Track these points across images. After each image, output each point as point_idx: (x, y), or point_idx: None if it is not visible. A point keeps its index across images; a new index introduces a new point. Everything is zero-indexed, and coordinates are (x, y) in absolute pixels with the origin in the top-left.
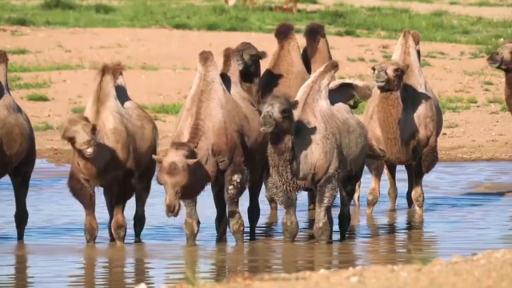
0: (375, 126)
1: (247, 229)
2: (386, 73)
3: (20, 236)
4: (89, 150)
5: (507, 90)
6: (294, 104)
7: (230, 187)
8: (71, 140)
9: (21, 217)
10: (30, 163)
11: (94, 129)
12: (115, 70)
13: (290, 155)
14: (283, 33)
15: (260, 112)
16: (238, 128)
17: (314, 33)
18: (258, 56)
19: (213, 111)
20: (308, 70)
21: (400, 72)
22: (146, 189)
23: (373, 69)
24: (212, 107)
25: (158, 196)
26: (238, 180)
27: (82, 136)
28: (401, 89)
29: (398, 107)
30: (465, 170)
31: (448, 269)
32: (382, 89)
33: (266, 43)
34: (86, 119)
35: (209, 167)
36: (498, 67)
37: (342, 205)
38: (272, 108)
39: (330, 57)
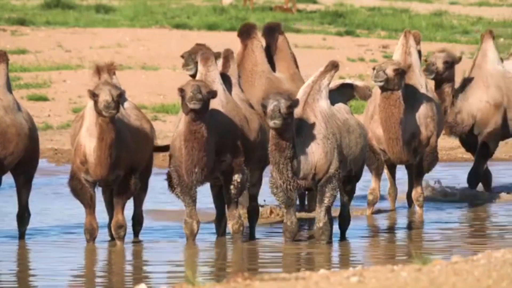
0: (375, 126)
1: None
2: (385, 73)
3: (21, 236)
4: (110, 112)
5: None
6: (296, 101)
7: (231, 187)
8: (95, 98)
9: (23, 217)
10: (32, 163)
11: (119, 95)
12: (109, 69)
13: (291, 153)
14: (246, 33)
15: (264, 108)
16: (239, 128)
17: (273, 32)
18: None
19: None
20: (273, 68)
21: (401, 72)
22: (144, 189)
23: (374, 69)
24: (213, 106)
25: (157, 196)
26: (239, 180)
27: (105, 94)
28: (402, 89)
29: (399, 107)
30: (465, 170)
31: (448, 269)
32: (383, 88)
33: None
34: (116, 86)
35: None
36: (434, 79)
37: (342, 205)
38: (279, 103)
39: (292, 54)
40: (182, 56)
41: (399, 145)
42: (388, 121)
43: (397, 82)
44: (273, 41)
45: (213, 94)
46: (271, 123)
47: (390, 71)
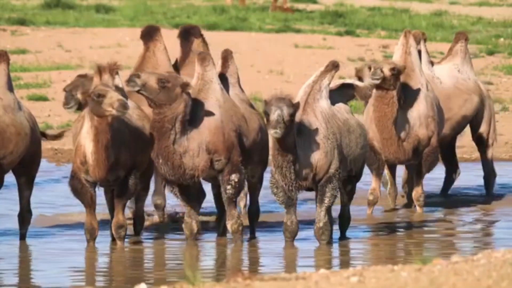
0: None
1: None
2: (382, 71)
3: (22, 236)
4: (117, 112)
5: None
6: (297, 106)
7: (228, 187)
8: (100, 97)
9: (24, 217)
10: (33, 163)
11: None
12: (111, 69)
13: (293, 156)
14: (148, 35)
15: (266, 114)
16: (236, 128)
17: (188, 35)
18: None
19: (211, 110)
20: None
21: (397, 71)
22: (145, 189)
23: (369, 67)
24: (210, 106)
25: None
26: (236, 180)
27: (111, 95)
28: (399, 89)
29: (393, 106)
30: (466, 170)
31: (448, 269)
32: (378, 87)
33: (266, 43)
34: (117, 86)
35: (201, 162)
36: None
37: (342, 205)
38: (282, 112)
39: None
40: (65, 90)
41: (394, 145)
42: (381, 120)
43: (392, 82)
44: (187, 43)
45: (165, 83)
46: (272, 132)
47: (386, 70)
